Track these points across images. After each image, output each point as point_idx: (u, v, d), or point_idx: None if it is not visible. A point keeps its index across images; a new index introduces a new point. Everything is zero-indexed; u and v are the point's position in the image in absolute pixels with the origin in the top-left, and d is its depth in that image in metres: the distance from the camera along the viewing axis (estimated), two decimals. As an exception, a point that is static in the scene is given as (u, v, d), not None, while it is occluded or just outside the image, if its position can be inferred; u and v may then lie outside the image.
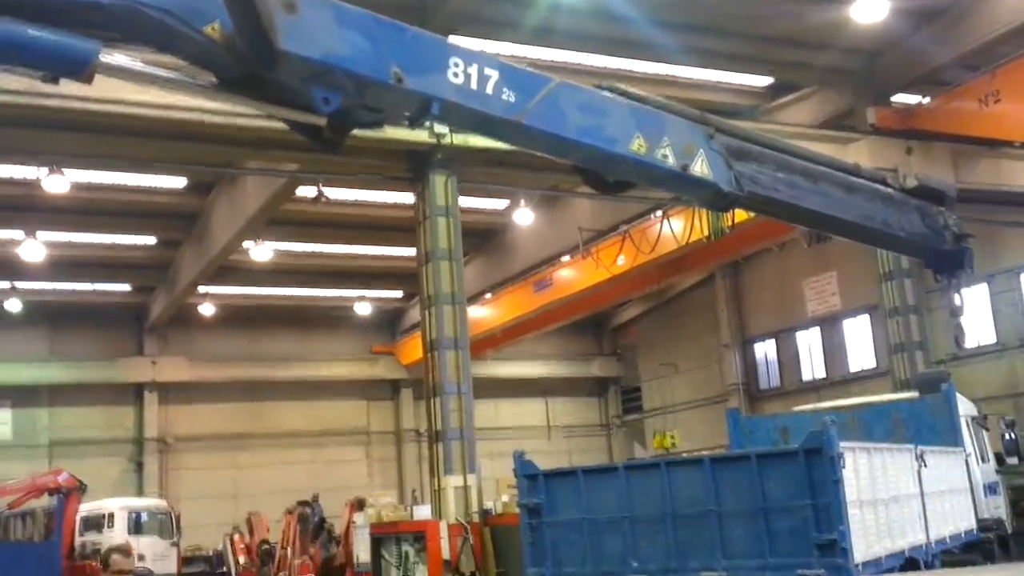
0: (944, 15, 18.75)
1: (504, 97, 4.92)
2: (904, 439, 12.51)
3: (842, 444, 9.24)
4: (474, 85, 4.84)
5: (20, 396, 30.83)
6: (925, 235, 7.06)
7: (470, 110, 4.88)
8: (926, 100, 21.36)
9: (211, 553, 27.93)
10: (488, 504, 16.45)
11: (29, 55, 4.20)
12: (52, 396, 31.24)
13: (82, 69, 4.31)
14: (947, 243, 7.17)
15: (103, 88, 13.17)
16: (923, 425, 13.51)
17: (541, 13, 16.49)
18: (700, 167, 5.76)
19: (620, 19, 16.73)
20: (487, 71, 4.89)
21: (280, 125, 5.23)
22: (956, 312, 7.63)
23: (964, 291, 7.70)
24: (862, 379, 26.70)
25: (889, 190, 6.90)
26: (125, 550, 6.14)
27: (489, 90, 4.89)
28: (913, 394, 15.68)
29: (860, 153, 19.66)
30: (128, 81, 4.76)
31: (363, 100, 4.69)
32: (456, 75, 4.78)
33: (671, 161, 5.66)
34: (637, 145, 5.49)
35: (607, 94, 5.56)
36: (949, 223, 7.17)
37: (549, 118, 5.13)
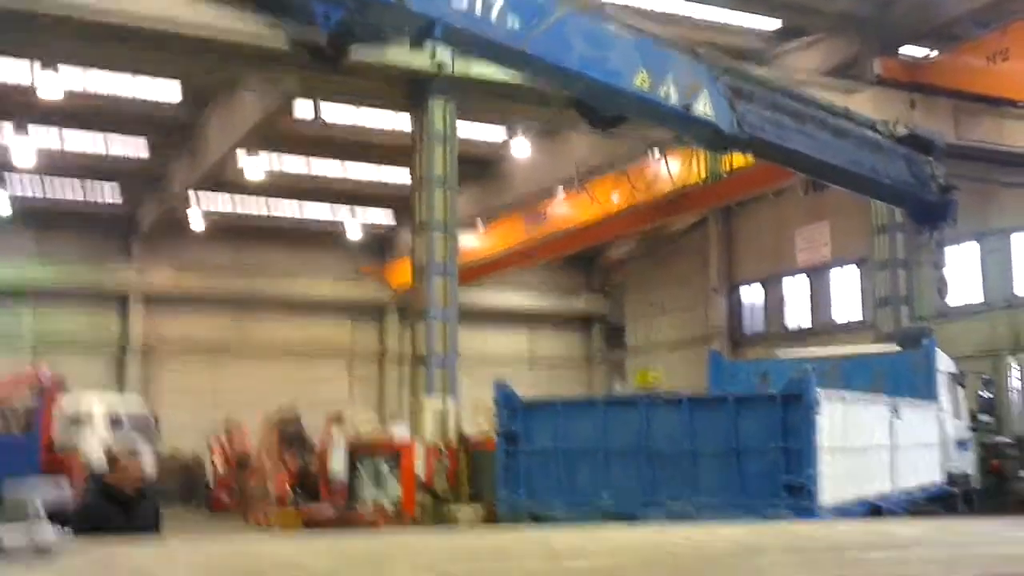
0: (959, -33, 18.53)
1: (509, 23, 4.84)
2: (883, 391, 12.67)
3: (819, 391, 9.38)
4: (478, 10, 4.76)
5: (4, 296, 30.79)
6: (911, 184, 6.98)
7: (473, 34, 4.80)
8: (933, 54, 21.18)
9: (190, 460, 28.23)
10: (468, 429, 16.71)
11: None
12: (38, 298, 31.20)
13: None
14: (932, 193, 7.09)
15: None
16: (902, 379, 13.66)
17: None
18: (703, 107, 5.71)
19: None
20: (492, -5, 4.81)
21: (281, 40, 5.16)
22: (939, 264, 7.59)
23: (953, 247, 7.68)
24: (847, 330, 26.86)
25: (877, 136, 6.82)
26: (132, 450, 5.91)
27: (493, 16, 4.80)
28: (894, 347, 15.84)
29: (863, 103, 19.48)
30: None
31: (364, 17, 4.63)
32: (460, -2, 4.72)
33: (674, 99, 5.61)
34: (640, 80, 5.43)
35: (613, 26, 5.49)
36: (936, 173, 7.07)
37: (553, 47, 5.05)
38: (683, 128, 6.09)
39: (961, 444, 14.66)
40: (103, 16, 13.74)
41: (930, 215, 7.26)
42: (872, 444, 10.98)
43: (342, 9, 4.51)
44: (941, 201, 7.13)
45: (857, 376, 13.69)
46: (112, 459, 5.74)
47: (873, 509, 10.76)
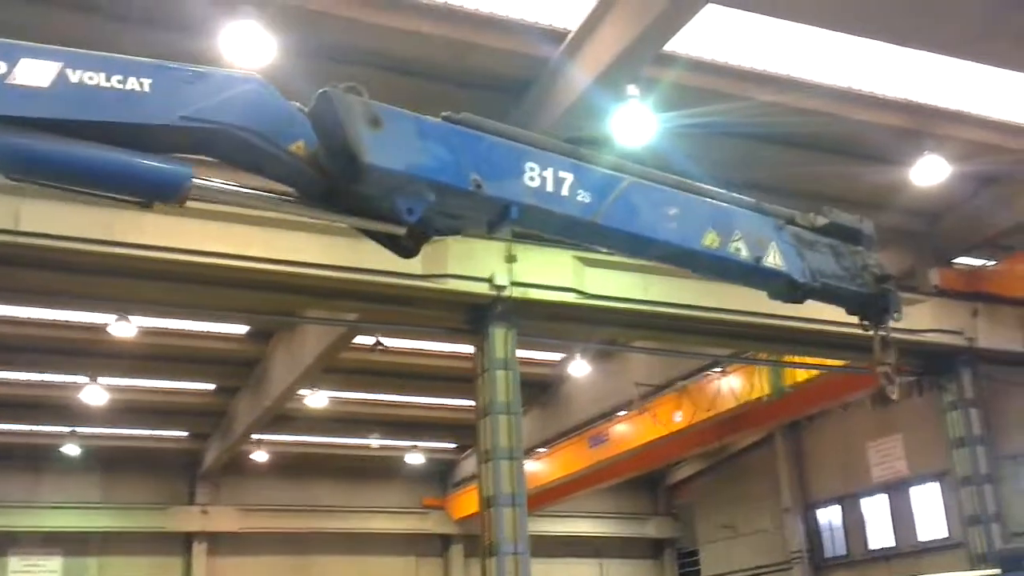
0: (1003, 181, 18.72)
1: (579, 198, 5.09)
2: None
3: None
4: (550, 188, 5.01)
5: (71, 544, 30.57)
6: (840, 277, 6.44)
7: (547, 212, 5.03)
8: (991, 263, 21.16)
9: None
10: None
11: (124, 181, 4.30)
12: (102, 544, 30.96)
13: (176, 193, 4.40)
14: (868, 286, 6.53)
15: (176, 237, 13.67)
16: (1007, 600, 12.73)
17: (601, 158, 16.75)
18: (773, 258, 5.89)
19: (678, 173, 16.92)
20: (561, 174, 5.07)
21: (343, 274, 5.32)
22: (883, 359, 6.70)
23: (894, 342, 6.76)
24: (933, 550, 25.36)
25: (800, 230, 6.35)
26: None
27: (565, 192, 5.05)
28: (995, 571, 14.89)
29: (924, 314, 19.34)
30: (219, 202, 4.91)
31: (444, 208, 4.83)
32: (532, 179, 4.95)
33: (744, 254, 5.79)
34: (710, 240, 5.67)
35: (677, 191, 5.75)
36: (869, 263, 6.56)
37: (624, 217, 5.30)
38: (757, 282, 6.19)
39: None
40: (173, 256, 14.12)
41: (869, 309, 6.53)
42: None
43: (424, 203, 4.71)
44: (879, 292, 6.45)
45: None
46: None
47: None
